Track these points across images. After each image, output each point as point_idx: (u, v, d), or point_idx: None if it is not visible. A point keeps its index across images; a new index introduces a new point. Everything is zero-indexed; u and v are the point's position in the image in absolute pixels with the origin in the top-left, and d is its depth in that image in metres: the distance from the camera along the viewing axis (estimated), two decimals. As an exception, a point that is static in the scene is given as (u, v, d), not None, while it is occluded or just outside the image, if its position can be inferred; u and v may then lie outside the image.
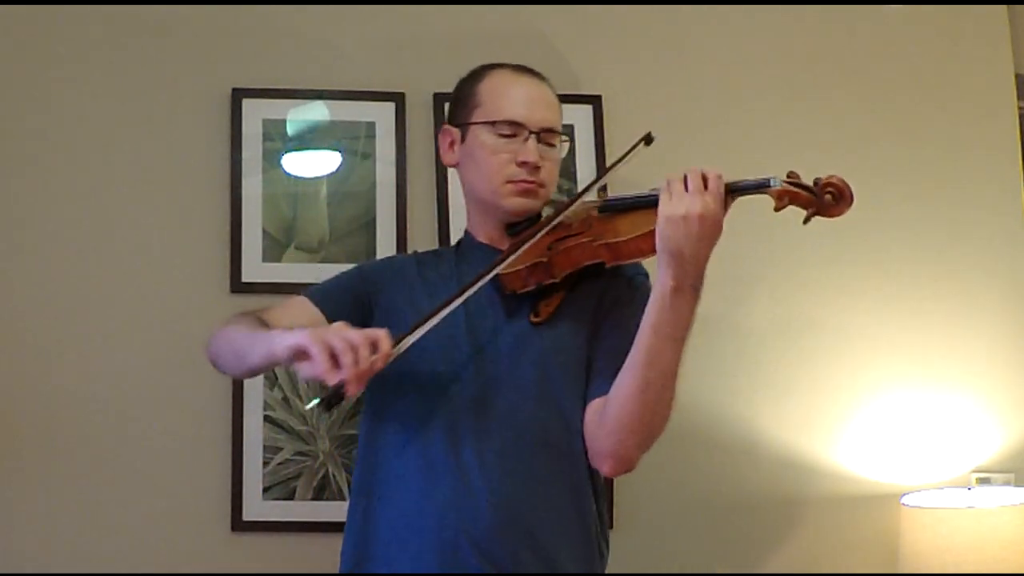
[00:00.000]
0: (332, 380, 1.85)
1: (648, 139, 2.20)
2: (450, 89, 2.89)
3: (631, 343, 2.04)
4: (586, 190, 2.18)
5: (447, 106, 2.35)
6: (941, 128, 3.10)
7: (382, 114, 2.91)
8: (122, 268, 2.80)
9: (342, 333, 1.88)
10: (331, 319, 2.11)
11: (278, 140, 2.88)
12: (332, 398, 1.88)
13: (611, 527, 2.78)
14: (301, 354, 1.89)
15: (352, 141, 2.90)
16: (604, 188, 2.50)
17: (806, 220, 1.99)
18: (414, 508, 2.06)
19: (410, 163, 2.89)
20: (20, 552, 2.67)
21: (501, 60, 2.31)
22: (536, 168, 2.18)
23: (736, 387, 2.86)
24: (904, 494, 2.83)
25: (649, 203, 2.05)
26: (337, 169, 2.91)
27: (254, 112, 2.87)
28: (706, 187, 1.93)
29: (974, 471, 2.94)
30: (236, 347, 2.08)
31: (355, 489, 2.19)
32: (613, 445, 2.06)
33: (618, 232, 2.08)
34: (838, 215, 1.99)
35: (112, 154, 2.84)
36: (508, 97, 2.21)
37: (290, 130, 2.89)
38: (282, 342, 1.93)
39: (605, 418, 2.07)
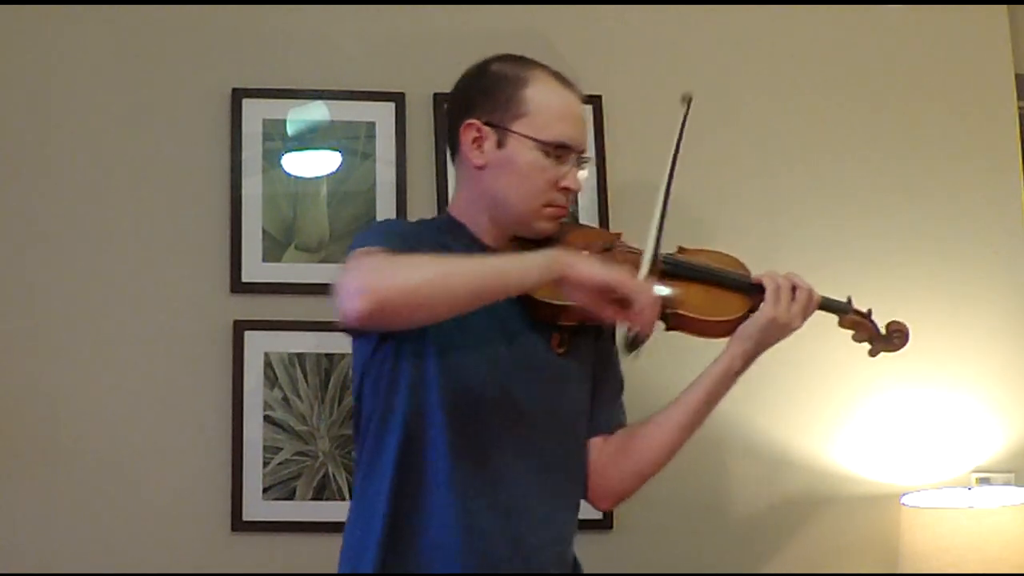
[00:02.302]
0: (641, 330, 1.95)
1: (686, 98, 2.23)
2: (450, 89, 2.90)
3: (621, 385, 2.21)
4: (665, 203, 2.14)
5: (469, 96, 2.16)
6: (941, 128, 3.10)
7: (382, 114, 2.91)
8: (122, 268, 2.80)
9: (642, 285, 1.97)
10: None
11: (278, 140, 2.88)
12: (638, 343, 1.98)
13: (611, 527, 2.80)
14: (607, 293, 1.93)
15: (352, 141, 2.90)
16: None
17: (873, 354, 2.29)
18: (452, 518, 1.98)
19: (410, 163, 2.89)
20: (20, 552, 2.67)
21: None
22: (572, 194, 2.13)
23: (735, 387, 2.86)
24: (904, 494, 2.83)
25: (727, 284, 2.13)
26: (337, 169, 2.91)
27: (254, 112, 2.87)
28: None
29: (974, 471, 2.94)
30: (464, 274, 1.91)
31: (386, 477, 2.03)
32: (625, 488, 2.15)
33: (693, 306, 2.10)
34: (898, 351, 2.28)
35: (112, 154, 2.84)
36: (558, 114, 2.10)
37: (290, 130, 2.89)
38: (589, 271, 1.92)
39: (622, 463, 2.12)
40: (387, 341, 2.03)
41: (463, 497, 1.98)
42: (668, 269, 2.12)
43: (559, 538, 2.05)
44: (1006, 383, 3.01)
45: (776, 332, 2.10)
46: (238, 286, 2.80)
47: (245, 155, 2.86)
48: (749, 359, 2.11)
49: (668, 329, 2.12)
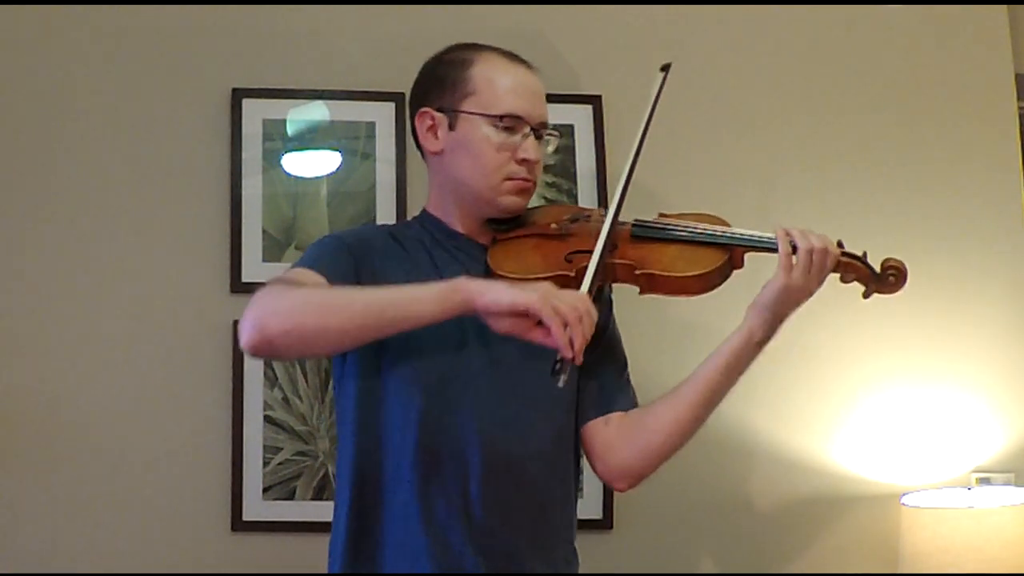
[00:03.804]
0: (568, 354, 1.83)
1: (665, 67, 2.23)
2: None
3: (625, 363, 2.19)
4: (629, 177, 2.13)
5: (421, 89, 2.18)
6: (941, 128, 3.10)
7: (382, 114, 2.91)
8: (122, 268, 2.81)
9: (570, 302, 1.85)
10: None
11: (278, 140, 2.88)
12: (563, 369, 1.86)
13: (611, 527, 2.80)
14: (522, 316, 1.85)
15: (352, 141, 2.91)
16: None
17: (867, 295, 2.11)
18: (417, 509, 2.00)
19: (410, 163, 2.88)
20: (20, 552, 2.67)
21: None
22: (533, 165, 2.12)
23: (735, 386, 2.87)
24: (904, 494, 2.83)
25: (699, 239, 2.08)
26: (337, 169, 2.91)
27: (254, 112, 2.87)
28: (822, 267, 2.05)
29: (974, 471, 2.94)
30: (351, 308, 1.90)
31: (346, 480, 2.10)
32: (642, 467, 2.12)
33: (664, 264, 2.06)
34: (893, 293, 2.11)
35: (112, 154, 2.84)
36: (506, 87, 2.10)
37: (290, 130, 2.89)
38: (496, 296, 1.85)
39: (636, 440, 2.10)
40: (346, 359, 2.07)
41: (424, 495, 1.99)
42: (636, 232, 2.11)
43: (518, 526, 2.02)
44: (1006, 383, 3.01)
45: (795, 299, 2.04)
46: (238, 286, 2.80)
47: (245, 155, 2.86)
48: (771, 328, 2.06)
49: (642, 293, 2.08)
